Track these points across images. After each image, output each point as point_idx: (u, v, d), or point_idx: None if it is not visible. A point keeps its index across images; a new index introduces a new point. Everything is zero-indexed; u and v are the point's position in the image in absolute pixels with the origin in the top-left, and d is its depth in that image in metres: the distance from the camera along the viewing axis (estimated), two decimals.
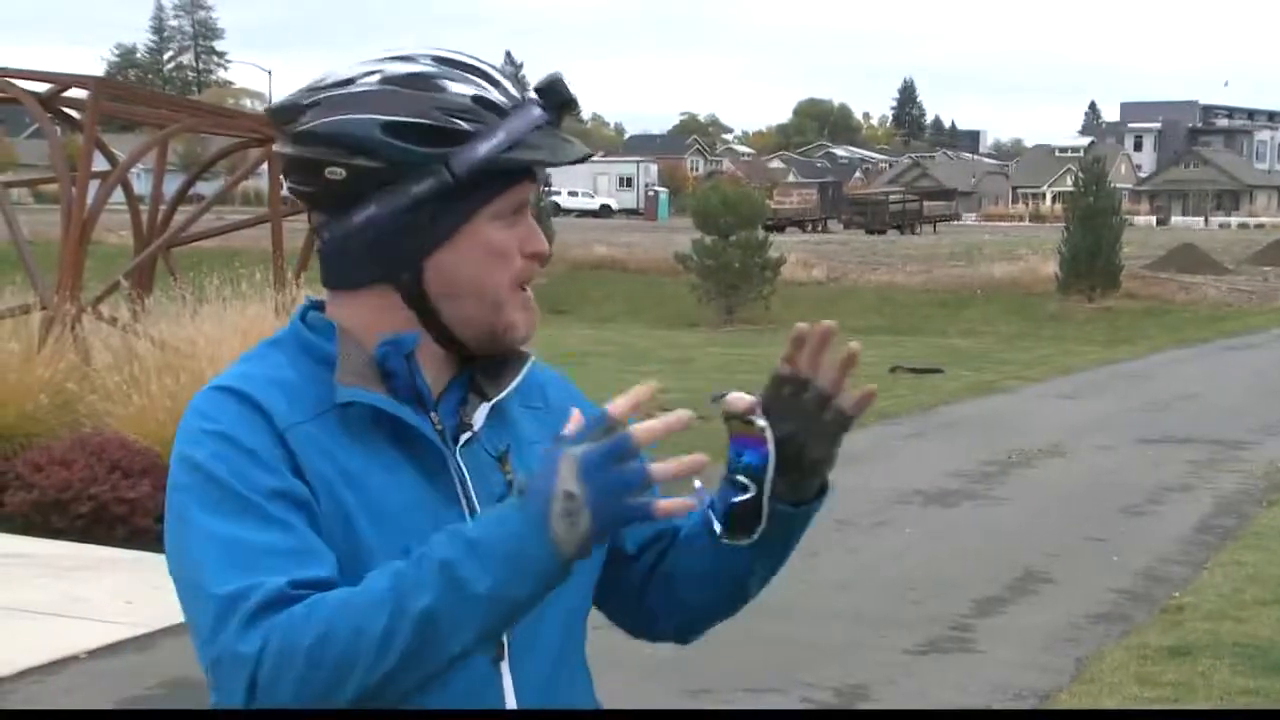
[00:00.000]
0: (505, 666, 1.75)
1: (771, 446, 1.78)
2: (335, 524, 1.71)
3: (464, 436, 1.81)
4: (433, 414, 1.80)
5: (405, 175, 1.75)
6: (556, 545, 1.56)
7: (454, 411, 1.82)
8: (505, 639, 1.74)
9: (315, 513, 1.69)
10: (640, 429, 1.58)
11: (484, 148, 1.75)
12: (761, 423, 1.78)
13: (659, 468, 1.58)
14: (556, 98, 1.79)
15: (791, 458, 1.80)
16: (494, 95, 1.77)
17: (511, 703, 1.75)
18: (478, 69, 1.79)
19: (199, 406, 1.75)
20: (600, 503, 1.56)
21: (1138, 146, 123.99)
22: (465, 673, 1.68)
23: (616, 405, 1.60)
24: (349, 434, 1.75)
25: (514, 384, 1.84)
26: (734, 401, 1.81)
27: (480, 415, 1.83)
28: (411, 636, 1.56)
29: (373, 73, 1.77)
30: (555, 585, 1.62)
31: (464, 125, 1.75)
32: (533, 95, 1.79)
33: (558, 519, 1.55)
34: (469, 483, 1.78)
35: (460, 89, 1.76)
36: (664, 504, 1.59)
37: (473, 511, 1.76)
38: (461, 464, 1.79)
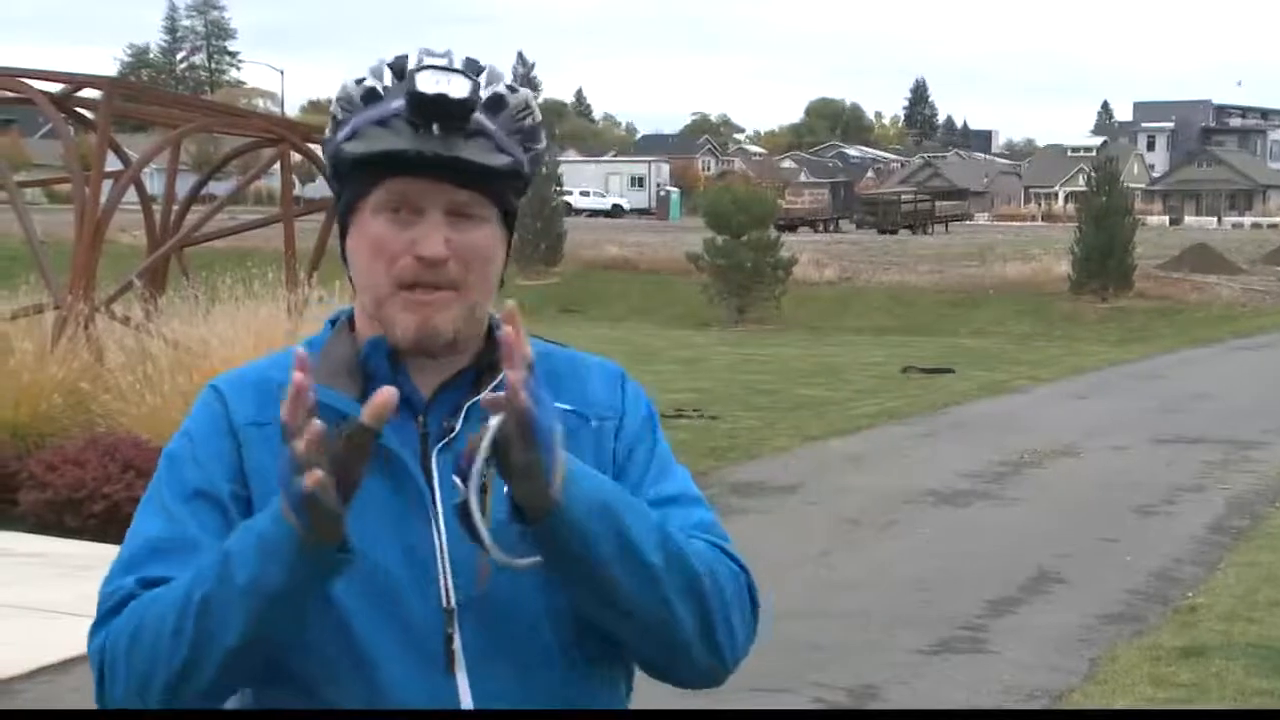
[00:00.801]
0: (461, 676, 1.73)
1: (484, 444, 1.59)
2: None
3: (446, 439, 1.79)
4: (420, 417, 1.79)
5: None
6: (291, 527, 1.58)
7: (452, 412, 1.80)
8: (456, 646, 1.72)
9: (230, 515, 1.75)
10: (285, 406, 1.56)
11: (338, 137, 1.78)
12: (490, 423, 1.60)
13: (297, 445, 1.54)
14: (409, 94, 1.72)
15: (505, 465, 1.62)
16: (380, 87, 1.76)
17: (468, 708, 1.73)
18: (401, 63, 1.76)
19: (197, 399, 1.87)
20: (284, 490, 1.58)
21: (1150, 146, 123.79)
22: (417, 683, 1.70)
23: (296, 376, 1.57)
24: None
25: (490, 386, 1.78)
26: (484, 402, 1.64)
27: (460, 417, 1.80)
28: (193, 627, 1.64)
29: None
30: (316, 574, 1.61)
31: (339, 114, 1.80)
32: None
33: (283, 506, 1.59)
34: (436, 488, 1.76)
35: (367, 81, 1.77)
36: (310, 476, 1.53)
37: (437, 517, 1.75)
38: (435, 468, 1.77)
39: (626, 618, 1.72)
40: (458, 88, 1.71)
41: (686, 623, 1.73)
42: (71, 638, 7.25)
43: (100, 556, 8.92)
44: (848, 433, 15.71)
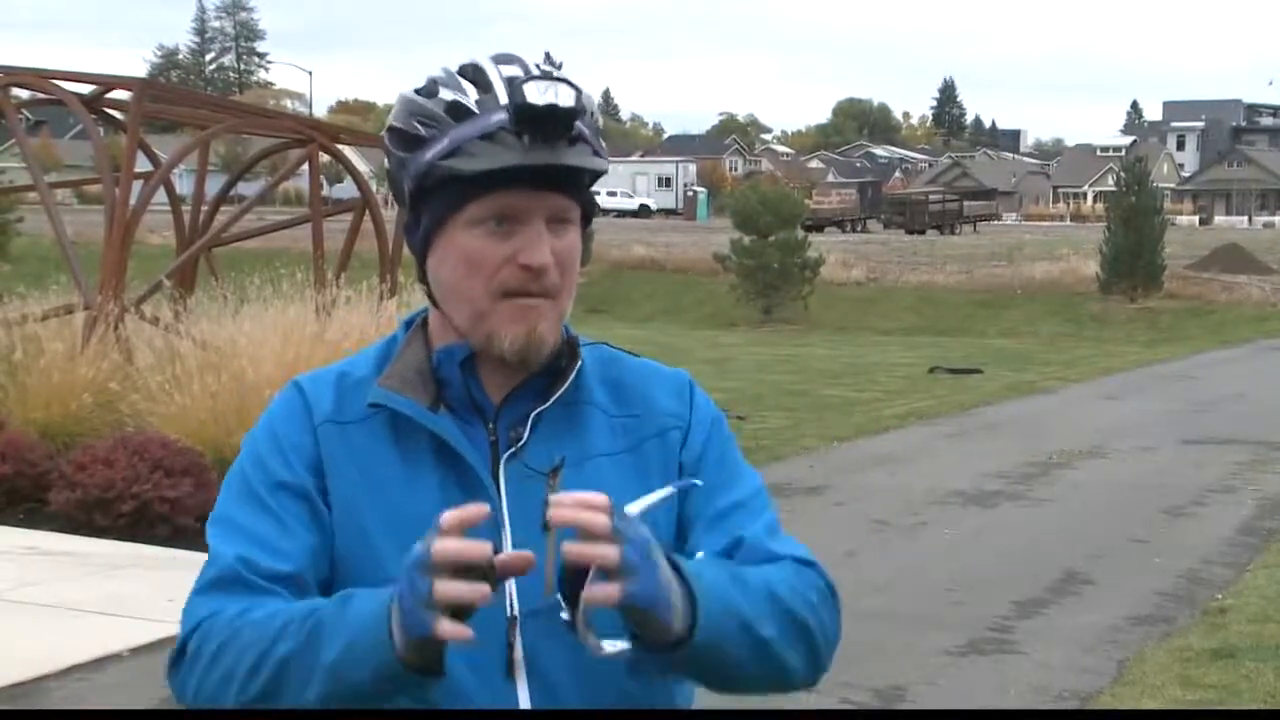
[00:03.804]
0: (521, 683, 1.74)
1: (591, 573, 1.57)
2: (348, 524, 1.77)
3: (514, 448, 1.79)
4: (490, 425, 1.80)
5: (399, 177, 1.80)
6: (393, 642, 1.57)
7: (520, 420, 1.80)
8: (517, 655, 1.73)
9: (315, 506, 1.77)
10: (438, 548, 1.53)
11: (429, 154, 1.74)
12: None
13: (444, 589, 1.52)
14: (518, 105, 1.70)
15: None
16: (469, 101, 1.73)
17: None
18: (480, 74, 1.75)
19: (278, 394, 1.87)
20: (401, 608, 1.56)
21: (1180, 146, 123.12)
22: (478, 688, 1.71)
23: (446, 516, 1.55)
24: (391, 437, 1.79)
25: (558, 394, 1.81)
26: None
27: (528, 426, 1.80)
28: (269, 677, 1.65)
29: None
30: (405, 686, 1.60)
31: (421, 130, 1.75)
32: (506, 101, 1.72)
33: (393, 615, 1.57)
34: (504, 497, 1.76)
35: (445, 94, 1.74)
36: (444, 627, 1.52)
37: (504, 526, 1.75)
38: (502, 477, 1.77)
39: (740, 680, 1.74)
40: (565, 97, 1.71)
41: (796, 663, 1.77)
42: (102, 636, 7.30)
43: (130, 555, 8.98)
44: (875, 433, 15.68)
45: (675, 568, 1.64)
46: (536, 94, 1.70)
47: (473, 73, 1.76)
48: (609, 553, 1.55)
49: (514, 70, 1.75)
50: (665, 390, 1.90)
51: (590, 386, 1.85)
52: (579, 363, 1.84)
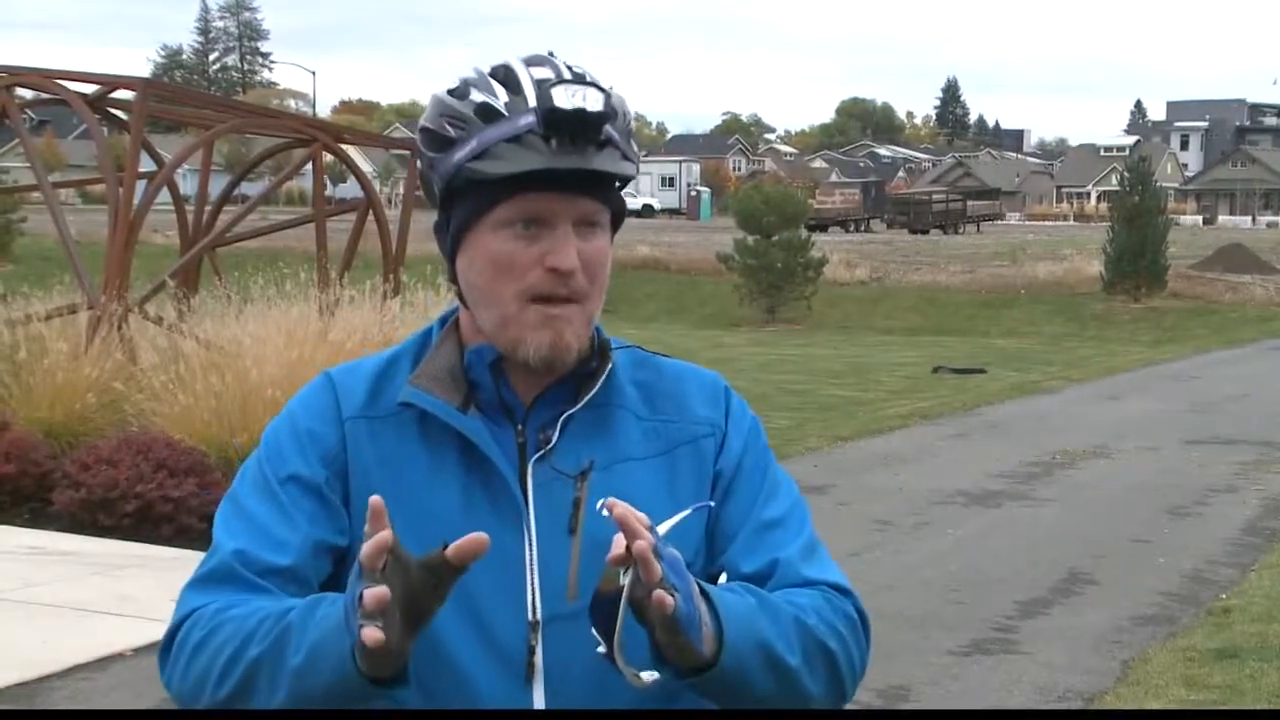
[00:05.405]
0: (538, 688, 1.73)
1: (620, 609, 1.57)
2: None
3: (542, 451, 1.78)
4: (519, 426, 1.79)
5: (430, 178, 1.80)
6: (350, 647, 1.53)
7: (550, 423, 1.80)
8: (537, 658, 1.72)
9: (327, 501, 1.76)
10: (365, 550, 1.50)
11: (457, 156, 1.74)
12: (623, 580, 1.57)
13: (370, 594, 1.48)
14: (546, 109, 1.70)
15: (646, 624, 1.61)
16: (498, 103, 1.73)
17: None
18: (511, 76, 1.74)
19: (307, 385, 1.86)
20: (346, 613, 1.54)
21: (1184, 145, 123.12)
22: (494, 691, 1.71)
23: (373, 501, 1.53)
24: (419, 435, 1.78)
25: (588, 397, 1.80)
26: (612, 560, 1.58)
27: (557, 428, 1.79)
28: (239, 677, 1.64)
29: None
30: (364, 693, 1.56)
31: (450, 132, 1.75)
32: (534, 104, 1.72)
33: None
34: (530, 499, 1.76)
35: (475, 96, 1.74)
36: (367, 632, 1.48)
37: (529, 529, 1.75)
38: (531, 480, 1.77)
39: (760, 704, 1.74)
40: (593, 101, 1.71)
41: (818, 691, 1.77)
42: (106, 636, 7.30)
43: (133, 555, 8.98)
44: (879, 433, 15.67)
45: (703, 593, 1.64)
46: (565, 98, 1.70)
47: (503, 74, 1.75)
48: (656, 569, 1.55)
49: (545, 72, 1.74)
50: (700, 395, 1.89)
51: (622, 389, 1.84)
52: (610, 365, 1.83)
